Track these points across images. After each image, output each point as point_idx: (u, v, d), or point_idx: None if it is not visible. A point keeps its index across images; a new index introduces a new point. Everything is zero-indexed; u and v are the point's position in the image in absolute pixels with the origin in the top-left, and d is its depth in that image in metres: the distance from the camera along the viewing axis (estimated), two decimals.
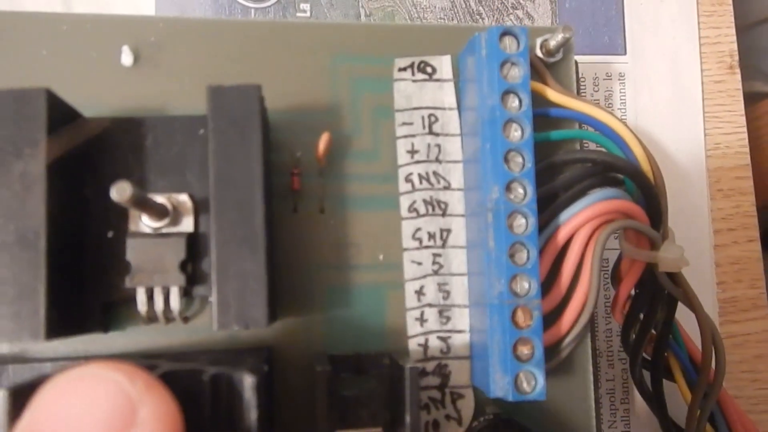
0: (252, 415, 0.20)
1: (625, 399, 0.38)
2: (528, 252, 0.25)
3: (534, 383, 0.25)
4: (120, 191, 0.21)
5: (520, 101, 0.26)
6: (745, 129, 0.41)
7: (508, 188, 0.25)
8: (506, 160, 0.26)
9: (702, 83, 0.41)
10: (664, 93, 0.41)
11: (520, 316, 0.25)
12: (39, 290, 0.22)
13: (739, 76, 0.42)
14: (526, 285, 0.25)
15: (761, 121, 0.45)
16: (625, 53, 0.41)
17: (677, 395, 0.34)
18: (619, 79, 0.40)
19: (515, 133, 0.26)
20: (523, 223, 0.25)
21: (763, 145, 0.44)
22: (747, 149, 0.41)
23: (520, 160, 0.26)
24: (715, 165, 0.41)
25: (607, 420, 0.37)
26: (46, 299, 0.22)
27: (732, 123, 0.41)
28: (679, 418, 0.34)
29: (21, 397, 0.19)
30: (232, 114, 0.24)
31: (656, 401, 0.34)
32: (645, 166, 0.28)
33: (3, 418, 0.19)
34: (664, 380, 0.33)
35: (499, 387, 0.25)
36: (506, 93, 0.26)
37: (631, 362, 0.33)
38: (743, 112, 0.41)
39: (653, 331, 0.32)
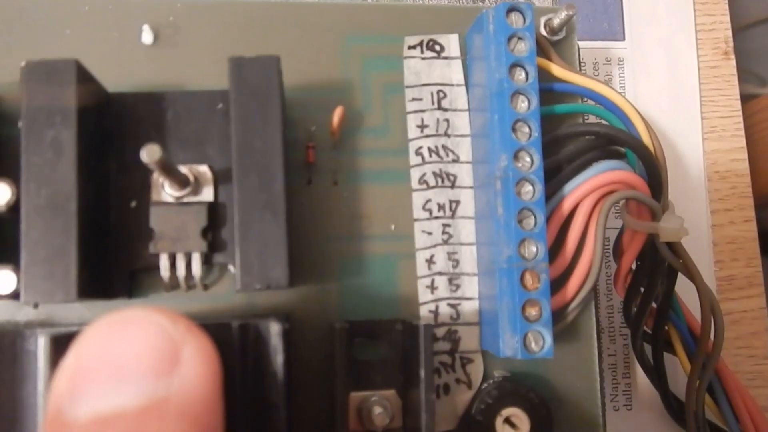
0: (279, 359, 0.21)
1: (627, 373, 0.39)
2: (535, 217, 0.26)
3: (542, 343, 0.26)
4: (150, 153, 0.22)
5: (527, 74, 0.27)
6: (740, 112, 0.42)
7: (516, 157, 0.27)
8: (514, 129, 0.27)
9: (698, 68, 0.42)
10: (661, 78, 0.42)
11: (529, 279, 0.26)
12: (70, 252, 0.23)
13: (734, 62, 0.43)
14: (534, 249, 0.26)
15: (756, 118, 0.46)
16: (623, 39, 0.42)
17: (677, 370, 0.35)
18: (618, 64, 0.42)
19: (522, 104, 0.27)
20: (531, 190, 0.26)
21: (758, 142, 0.45)
22: (742, 132, 0.42)
23: (527, 129, 0.27)
24: (712, 147, 0.42)
25: (609, 393, 0.39)
26: (77, 260, 0.23)
27: (728, 107, 0.42)
28: (680, 392, 0.35)
29: (60, 345, 0.20)
30: (253, 84, 0.25)
31: (657, 373, 0.35)
32: (646, 139, 0.29)
33: (44, 363, 0.20)
34: (665, 353, 0.34)
35: (509, 347, 0.26)
36: (513, 66, 0.27)
37: (633, 335, 0.34)
38: (738, 96, 0.43)
39: (654, 305, 0.33)
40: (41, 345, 0.20)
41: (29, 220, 0.23)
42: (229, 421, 0.19)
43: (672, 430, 0.38)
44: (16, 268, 0.24)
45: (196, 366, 0.18)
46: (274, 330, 0.22)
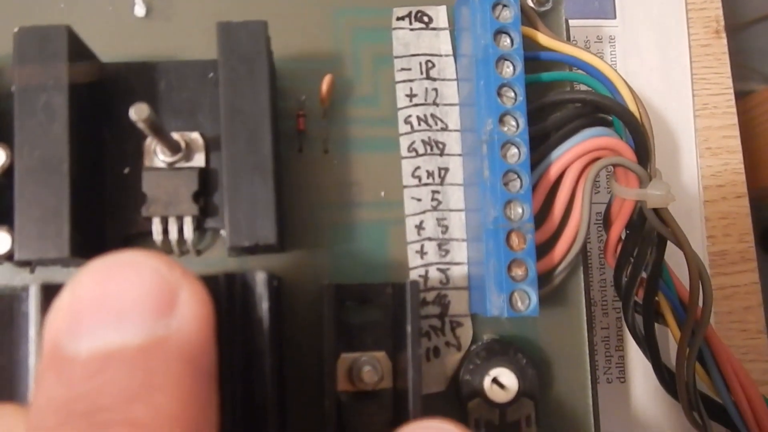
0: (264, 306, 0.22)
1: (620, 346, 0.39)
2: (521, 179, 0.27)
3: (528, 301, 0.26)
4: (138, 111, 0.22)
5: (512, 40, 0.27)
6: (731, 90, 0.43)
7: (501, 121, 0.27)
8: (499, 94, 0.27)
9: (689, 47, 0.43)
10: (652, 56, 0.42)
11: (514, 240, 0.27)
12: (63, 211, 0.24)
13: (725, 41, 0.43)
14: (520, 210, 0.27)
15: (754, 113, 0.46)
16: (615, 17, 0.42)
17: (669, 344, 0.36)
18: (609, 42, 0.42)
19: (507, 70, 0.27)
20: (516, 153, 0.27)
21: (755, 136, 0.45)
22: (734, 109, 0.43)
23: (512, 94, 0.27)
24: (704, 125, 0.42)
25: (603, 366, 0.39)
26: (70, 219, 0.24)
27: (719, 84, 0.43)
28: (672, 365, 0.35)
29: (51, 294, 0.20)
30: (241, 48, 0.25)
31: (648, 344, 0.35)
32: (632, 106, 0.29)
33: (35, 312, 0.21)
34: (657, 324, 0.35)
35: (495, 306, 0.26)
36: (498, 33, 0.27)
37: (624, 305, 0.34)
38: (730, 74, 0.43)
39: (644, 274, 0.33)
40: (32, 293, 0.21)
41: (22, 181, 0.24)
42: (218, 368, 0.19)
43: (665, 402, 0.38)
44: (11, 229, 0.25)
45: (193, 309, 0.18)
46: (260, 278, 0.22)
